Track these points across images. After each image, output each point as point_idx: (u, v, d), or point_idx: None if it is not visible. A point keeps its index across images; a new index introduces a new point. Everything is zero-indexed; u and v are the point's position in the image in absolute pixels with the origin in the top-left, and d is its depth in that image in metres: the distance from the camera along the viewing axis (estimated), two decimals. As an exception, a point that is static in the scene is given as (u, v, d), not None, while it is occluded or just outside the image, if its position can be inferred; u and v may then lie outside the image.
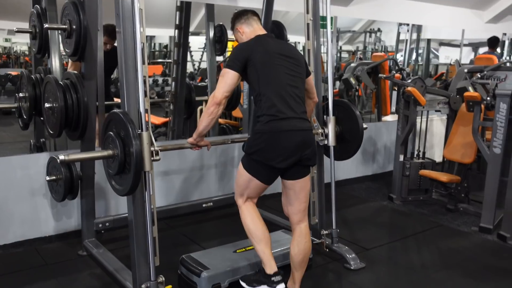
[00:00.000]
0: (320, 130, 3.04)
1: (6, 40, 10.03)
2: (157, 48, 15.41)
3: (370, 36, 12.84)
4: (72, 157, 2.24)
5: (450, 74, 10.08)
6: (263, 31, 2.52)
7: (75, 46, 2.71)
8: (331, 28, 3.68)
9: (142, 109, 2.27)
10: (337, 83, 6.34)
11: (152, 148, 2.28)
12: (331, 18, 3.28)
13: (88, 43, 2.73)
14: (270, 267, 2.41)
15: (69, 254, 3.12)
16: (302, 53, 2.68)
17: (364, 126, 3.05)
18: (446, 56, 11.47)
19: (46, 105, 2.77)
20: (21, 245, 3.18)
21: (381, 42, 12.90)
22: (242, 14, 2.54)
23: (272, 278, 2.40)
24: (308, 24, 3.07)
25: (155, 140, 2.32)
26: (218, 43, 4.59)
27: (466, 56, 11.27)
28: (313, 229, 3.21)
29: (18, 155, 3.26)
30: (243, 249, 2.80)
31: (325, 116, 3.07)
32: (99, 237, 3.21)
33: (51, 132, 2.86)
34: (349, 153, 3.14)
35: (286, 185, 2.48)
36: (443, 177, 4.07)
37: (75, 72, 2.83)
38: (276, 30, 3.66)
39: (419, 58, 9.94)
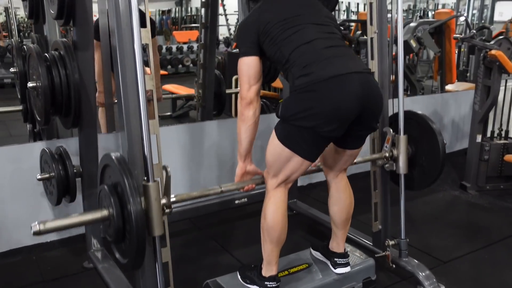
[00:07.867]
0: (386, 153, 2.30)
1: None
2: (193, 12, 14.65)
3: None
4: (49, 225, 1.52)
5: (510, 33, 8.91)
6: None
7: (60, 4, 2.04)
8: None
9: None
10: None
11: (164, 201, 1.63)
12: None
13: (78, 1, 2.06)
14: (270, 270, 1.99)
15: (72, 266, 2.56)
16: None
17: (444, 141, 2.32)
18: (500, 12, 10.30)
19: (30, 84, 2.13)
20: (18, 253, 2.64)
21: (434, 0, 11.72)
22: None
23: (266, 283, 1.98)
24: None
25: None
26: (253, 1, 3.80)
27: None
28: (375, 238, 2.52)
29: (8, 145, 2.67)
30: (286, 272, 2.13)
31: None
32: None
33: (39, 119, 2.24)
34: (425, 183, 2.43)
35: (334, 147, 2.01)
36: (537, 164, 3.23)
37: (64, 40, 2.18)
38: None
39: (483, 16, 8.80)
